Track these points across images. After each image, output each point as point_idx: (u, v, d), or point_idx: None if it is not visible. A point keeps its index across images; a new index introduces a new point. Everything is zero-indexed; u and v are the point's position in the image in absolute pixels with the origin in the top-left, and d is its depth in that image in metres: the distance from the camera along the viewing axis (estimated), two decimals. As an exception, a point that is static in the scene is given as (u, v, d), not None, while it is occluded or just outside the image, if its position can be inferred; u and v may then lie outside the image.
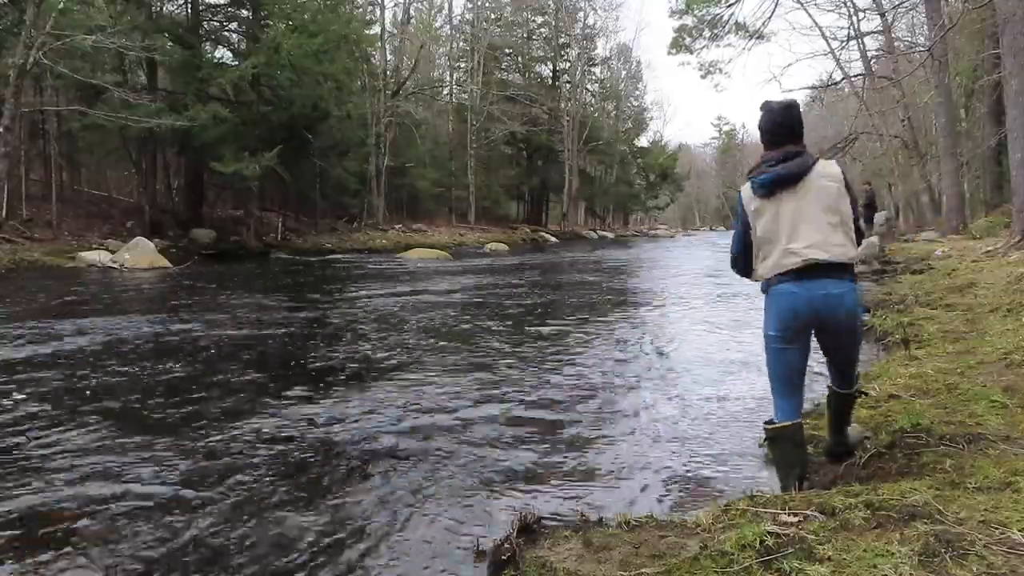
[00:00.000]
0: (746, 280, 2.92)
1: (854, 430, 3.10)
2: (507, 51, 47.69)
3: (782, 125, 2.71)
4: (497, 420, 4.08)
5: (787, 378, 2.67)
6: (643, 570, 1.91)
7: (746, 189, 2.74)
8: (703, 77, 22.55)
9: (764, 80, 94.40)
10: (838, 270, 2.57)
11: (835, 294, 2.55)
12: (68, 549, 2.51)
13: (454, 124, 42.19)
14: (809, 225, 2.56)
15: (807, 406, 3.47)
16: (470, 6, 43.80)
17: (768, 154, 2.70)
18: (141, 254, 15.58)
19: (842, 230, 2.59)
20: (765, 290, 2.73)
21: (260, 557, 2.48)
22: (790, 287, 2.58)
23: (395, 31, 36.09)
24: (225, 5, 23.30)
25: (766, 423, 2.77)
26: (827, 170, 2.63)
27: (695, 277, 14.17)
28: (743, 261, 2.83)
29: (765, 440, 2.88)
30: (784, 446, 2.68)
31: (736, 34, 20.88)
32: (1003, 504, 2.10)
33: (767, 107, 2.77)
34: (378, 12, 33.95)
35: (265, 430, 3.85)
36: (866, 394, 3.20)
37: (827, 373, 2.98)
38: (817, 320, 2.59)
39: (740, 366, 5.39)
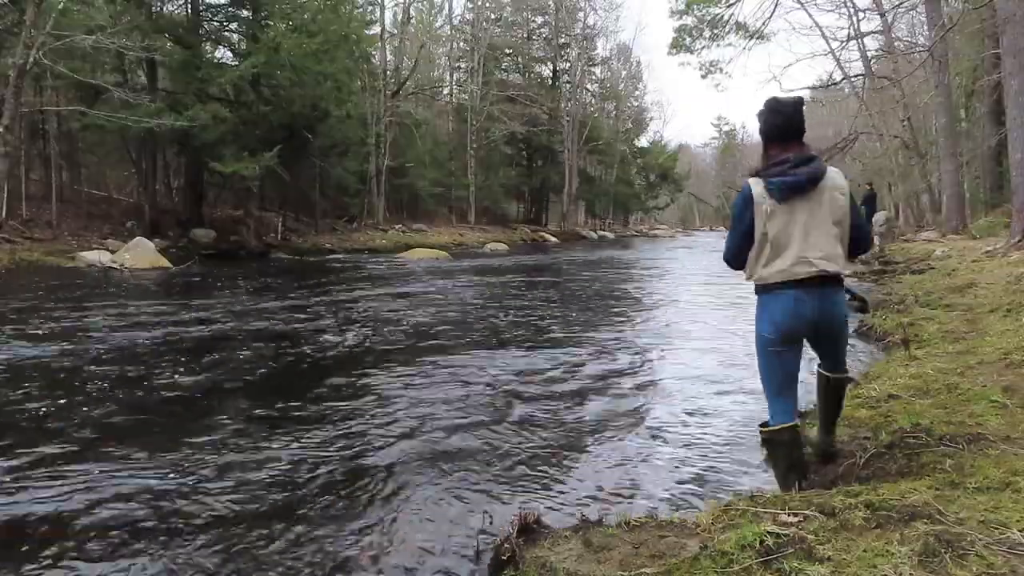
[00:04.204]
0: (735, 272, 2.85)
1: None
2: (507, 51, 47.60)
3: (792, 125, 2.64)
4: (497, 420, 4.08)
5: (781, 380, 2.67)
6: (643, 570, 1.91)
7: (758, 187, 2.60)
8: (703, 77, 22.60)
9: (764, 80, 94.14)
10: (835, 281, 2.62)
11: (833, 304, 2.63)
12: (58, 557, 2.51)
13: (454, 124, 42.15)
14: (821, 235, 2.57)
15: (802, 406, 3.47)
16: (470, 6, 43.76)
17: (782, 155, 2.61)
18: (141, 254, 15.57)
19: (842, 242, 2.64)
20: (761, 291, 2.68)
21: (259, 558, 2.48)
22: (796, 293, 2.57)
23: (395, 31, 36.03)
24: (225, 5, 23.26)
25: (761, 425, 2.78)
26: (838, 181, 2.63)
27: (696, 278, 14.16)
28: (740, 257, 2.72)
29: (761, 442, 2.89)
30: (780, 449, 2.70)
31: (736, 34, 20.94)
32: (1003, 504, 2.10)
33: (777, 104, 2.68)
34: (378, 12, 33.90)
35: (262, 433, 3.85)
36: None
37: (814, 375, 3.01)
38: (814, 328, 2.64)
39: (740, 366, 5.39)
